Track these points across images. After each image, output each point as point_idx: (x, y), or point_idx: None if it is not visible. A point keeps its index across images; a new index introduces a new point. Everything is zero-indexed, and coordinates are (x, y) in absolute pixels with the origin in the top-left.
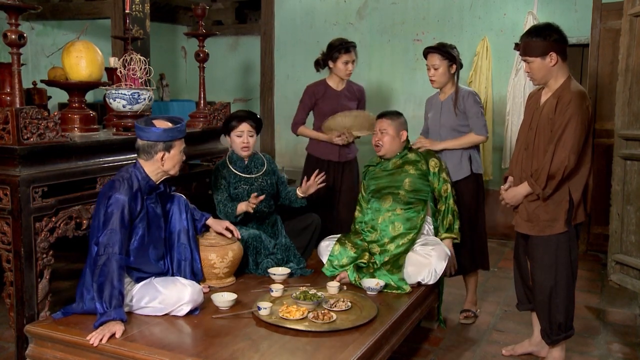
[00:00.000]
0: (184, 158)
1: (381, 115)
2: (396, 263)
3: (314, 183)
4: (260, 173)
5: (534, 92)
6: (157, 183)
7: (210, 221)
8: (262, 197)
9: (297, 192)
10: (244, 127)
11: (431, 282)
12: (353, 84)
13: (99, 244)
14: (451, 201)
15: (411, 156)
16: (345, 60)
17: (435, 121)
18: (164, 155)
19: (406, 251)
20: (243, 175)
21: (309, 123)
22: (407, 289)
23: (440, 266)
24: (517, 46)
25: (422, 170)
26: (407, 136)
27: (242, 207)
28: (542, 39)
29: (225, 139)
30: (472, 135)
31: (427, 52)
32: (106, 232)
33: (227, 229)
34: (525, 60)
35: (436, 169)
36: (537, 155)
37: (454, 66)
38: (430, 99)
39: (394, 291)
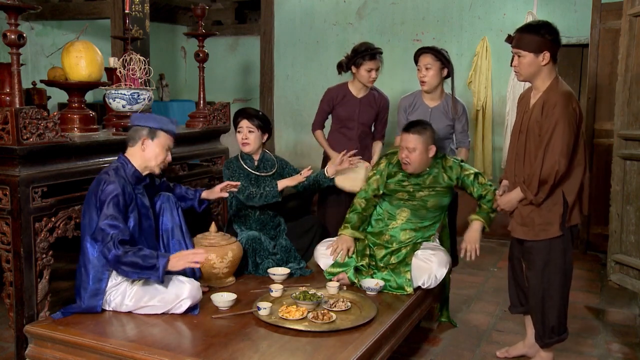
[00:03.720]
0: (169, 159)
1: (407, 129)
2: (403, 262)
3: (346, 159)
4: (269, 174)
5: (524, 93)
6: (143, 175)
7: (205, 194)
8: (311, 171)
9: (326, 171)
10: (244, 123)
11: (431, 287)
12: (376, 93)
13: (104, 234)
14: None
15: (444, 175)
16: (369, 67)
17: None
18: (145, 140)
19: (413, 250)
20: (252, 172)
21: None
22: (409, 290)
23: (440, 272)
24: (509, 38)
25: (449, 185)
26: (436, 150)
27: (284, 182)
28: (539, 36)
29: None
30: (464, 151)
31: (420, 53)
32: (106, 221)
33: (222, 189)
34: (517, 54)
35: (461, 173)
36: (528, 160)
37: (446, 70)
38: (409, 101)
39: (394, 291)
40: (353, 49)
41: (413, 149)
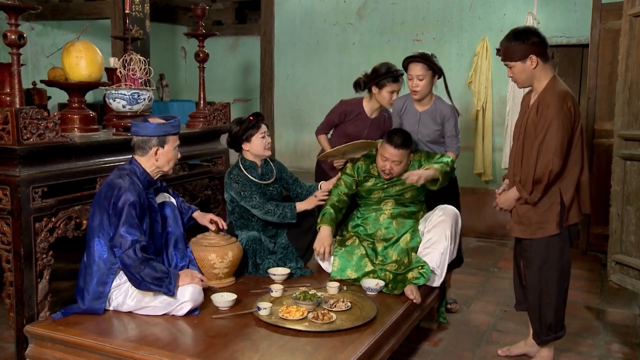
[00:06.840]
0: (179, 156)
1: (397, 146)
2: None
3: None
4: (272, 180)
5: (526, 94)
6: (155, 179)
7: (196, 214)
8: (326, 194)
9: (320, 186)
10: (264, 127)
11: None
12: (386, 113)
13: (124, 241)
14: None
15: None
16: (392, 89)
17: (412, 133)
18: (157, 150)
19: (415, 236)
20: (259, 181)
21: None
22: (427, 272)
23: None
24: (498, 51)
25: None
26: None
27: (302, 206)
28: (520, 43)
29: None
30: (452, 156)
31: (409, 62)
32: (124, 228)
33: (211, 221)
34: (506, 65)
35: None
36: (526, 160)
37: (437, 76)
38: (401, 103)
39: (414, 282)
40: (374, 69)
41: (399, 162)
